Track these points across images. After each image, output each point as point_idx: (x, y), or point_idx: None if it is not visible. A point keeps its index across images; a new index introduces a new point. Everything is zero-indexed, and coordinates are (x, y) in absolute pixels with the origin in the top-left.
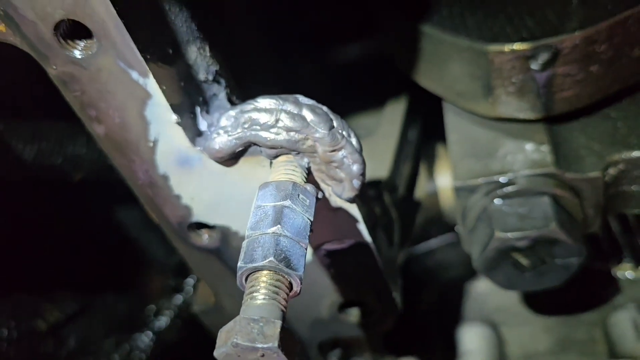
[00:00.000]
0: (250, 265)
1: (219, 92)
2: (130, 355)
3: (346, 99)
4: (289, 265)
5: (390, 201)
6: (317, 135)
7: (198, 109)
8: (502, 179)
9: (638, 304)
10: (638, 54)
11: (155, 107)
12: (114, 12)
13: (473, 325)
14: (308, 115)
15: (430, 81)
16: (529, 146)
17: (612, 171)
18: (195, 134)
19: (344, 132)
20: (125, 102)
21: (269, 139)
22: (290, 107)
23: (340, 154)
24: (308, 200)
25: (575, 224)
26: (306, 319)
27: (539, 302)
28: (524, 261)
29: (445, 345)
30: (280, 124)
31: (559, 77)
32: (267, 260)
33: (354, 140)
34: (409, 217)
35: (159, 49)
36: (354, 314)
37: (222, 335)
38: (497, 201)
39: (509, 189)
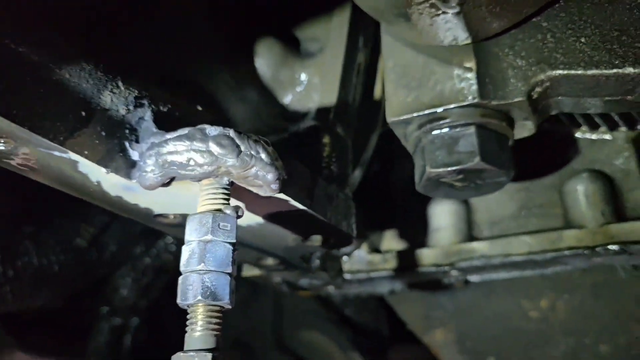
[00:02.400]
0: (185, 303)
1: (145, 114)
2: (160, 256)
3: (295, 8)
4: (215, 297)
5: (342, 129)
6: (228, 164)
7: (127, 143)
8: (432, 112)
9: (591, 173)
10: None
11: (85, 166)
12: (16, 125)
13: (444, 202)
14: (215, 149)
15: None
16: (457, 73)
17: (538, 89)
18: (128, 169)
19: (252, 152)
20: (60, 166)
21: (187, 174)
22: (198, 145)
23: (253, 170)
24: (229, 225)
25: (502, 147)
26: (279, 248)
27: None
28: (457, 184)
29: (421, 222)
30: (192, 162)
31: (474, 11)
32: (196, 299)
33: (263, 155)
34: (368, 129)
35: (71, 122)
36: (316, 239)
37: None
38: (428, 135)
39: (439, 122)
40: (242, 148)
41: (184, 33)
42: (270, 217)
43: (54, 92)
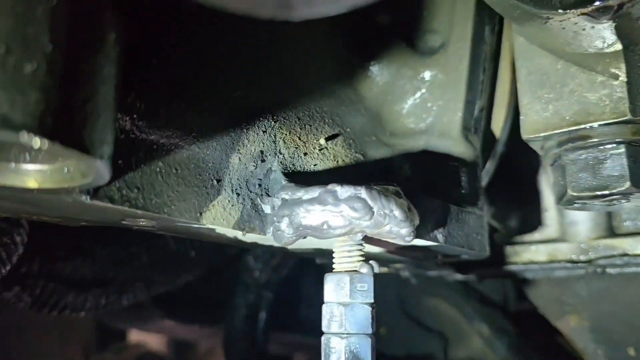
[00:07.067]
0: None
1: (272, 163)
2: None
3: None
4: None
5: (472, 135)
6: (362, 226)
7: (258, 199)
8: (573, 130)
9: None
10: None
11: (220, 229)
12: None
13: None
14: (348, 212)
15: None
16: (603, 82)
17: None
18: (262, 225)
19: (386, 211)
20: (196, 231)
21: (321, 236)
22: (330, 209)
23: (387, 228)
24: (366, 285)
25: None
26: (405, 259)
27: None
28: (601, 204)
29: (557, 213)
30: (325, 226)
31: (630, 22)
32: None
33: (397, 213)
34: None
35: (204, 195)
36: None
37: None
38: (569, 153)
39: (582, 141)
40: (375, 209)
41: (301, 63)
42: (399, 250)
43: (186, 170)
